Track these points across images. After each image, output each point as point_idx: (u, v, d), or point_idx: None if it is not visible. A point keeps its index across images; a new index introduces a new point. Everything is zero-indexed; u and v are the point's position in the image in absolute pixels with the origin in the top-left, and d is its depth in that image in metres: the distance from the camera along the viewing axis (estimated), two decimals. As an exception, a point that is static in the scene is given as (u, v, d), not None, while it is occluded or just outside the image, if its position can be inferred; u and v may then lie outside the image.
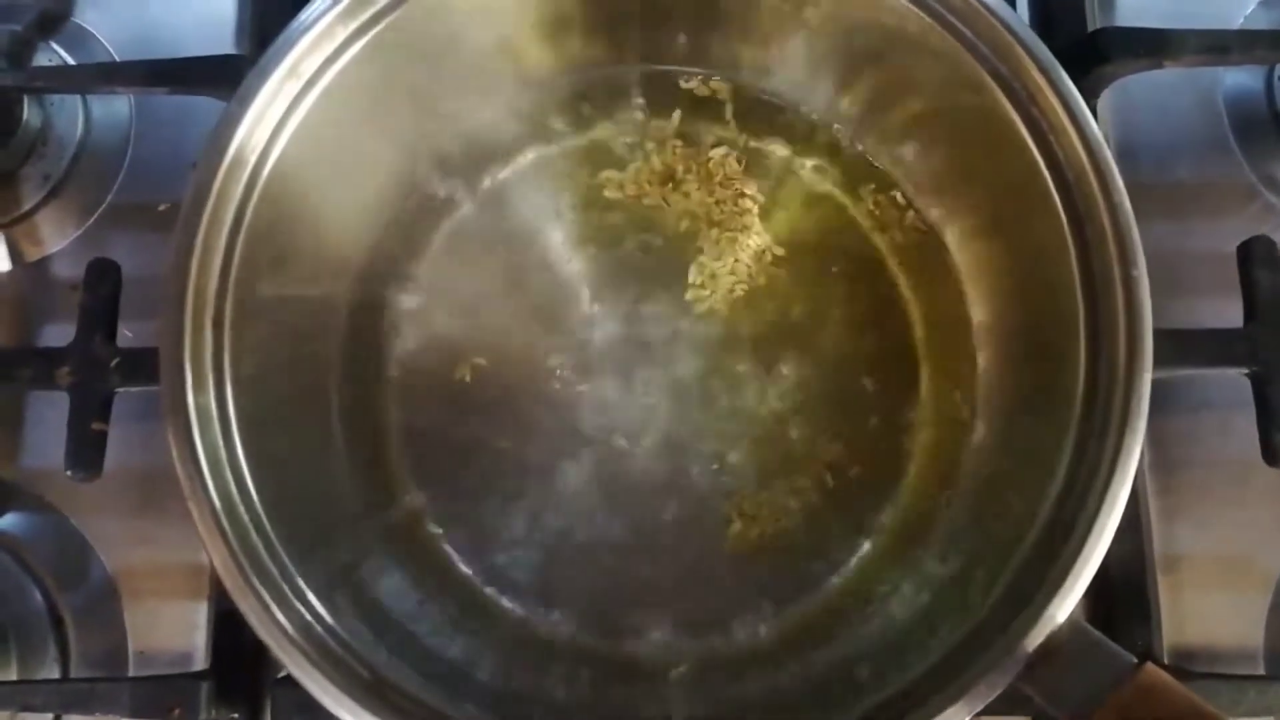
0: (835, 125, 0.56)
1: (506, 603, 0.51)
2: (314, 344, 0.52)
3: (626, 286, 0.55)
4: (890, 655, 0.45)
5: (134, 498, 0.54)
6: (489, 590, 0.51)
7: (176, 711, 0.48)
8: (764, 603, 0.51)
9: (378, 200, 0.54)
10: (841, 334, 0.54)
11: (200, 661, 0.52)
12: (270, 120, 0.45)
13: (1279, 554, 0.52)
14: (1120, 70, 0.54)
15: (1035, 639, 0.39)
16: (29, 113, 0.57)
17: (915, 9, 0.46)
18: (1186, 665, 0.51)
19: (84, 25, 0.60)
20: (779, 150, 0.56)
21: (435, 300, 0.55)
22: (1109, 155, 0.43)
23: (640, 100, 0.56)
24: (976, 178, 0.51)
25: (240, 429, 0.44)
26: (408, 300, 0.54)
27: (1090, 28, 0.57)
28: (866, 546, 0.52)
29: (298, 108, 0.46)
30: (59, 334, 0.53)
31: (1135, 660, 0.37)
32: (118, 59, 0.59)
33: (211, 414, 0.43)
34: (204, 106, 0.54)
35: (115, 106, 0.59)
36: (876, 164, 0.55)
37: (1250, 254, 0.51)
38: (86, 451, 0.49)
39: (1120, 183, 0.43)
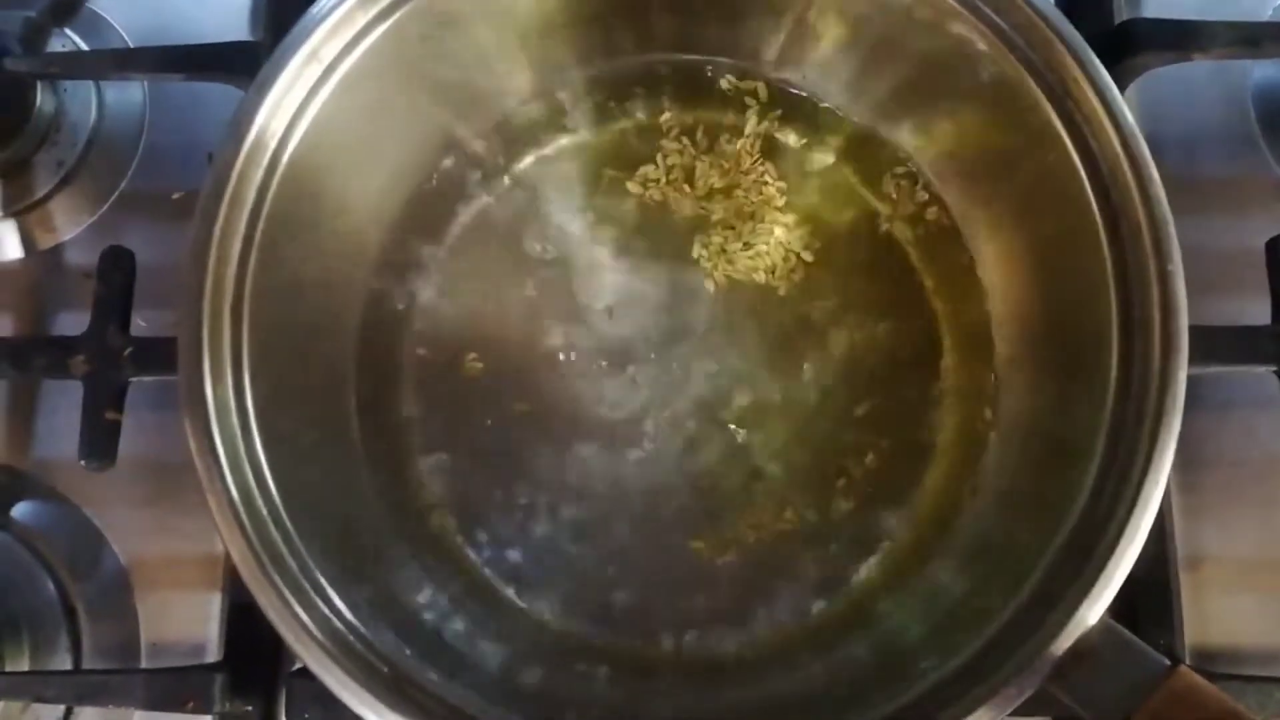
0: (860, 117, 0.55)
1: (523, 598, 0.51)
2: (332, 333, 0.51)
3: (646, 279, 0.54)
4: (916, 655, 0.45)
5: (147, 488, 0.53)
6: (505, 585, 0.51)
7: (190, 704, 0.48)
8: (783, 603, 0.51)
9: (396, 187, 0.53)
10: (864, 329, 0.54)
11: (214, 653, 0.52)
12: (289, 107, 0.44)
13: (1304, 554, 0.52)
14: (1149, 62, 0.54)
15: (1066, 641, 0.38)
16: (42, 99, 0.57)
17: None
18: (1209, 666, 0.50)
19: (98, 11, 0.60)
20: (802, 142, 0.56)
21: (453, 289, 0.54)
22: (1145, 148, 0.43)
23: (664, 91, 0.56)
24: (1007, 170, 0.50)
25: (258, 420, 0.43)
26: (425, 289, 0.54)
27: (1118, 19, 0.57)
28: (888, 545, 0.51)
29: (317, 94, 0.45)
30: (73, 322, 0.53)
31: (1168, 662, 0.36)
32: (132, 45, 0.59)
33: (230, 405, 0.43)
34: (218, 93, 0.53)
35: (129, 93, 0.59)
36: (902, 156, 0.55)
37: (1279, 251, 0.50)
38: (100, 441, 0.49)
39: (1156, 175, 0.42)
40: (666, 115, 0.56)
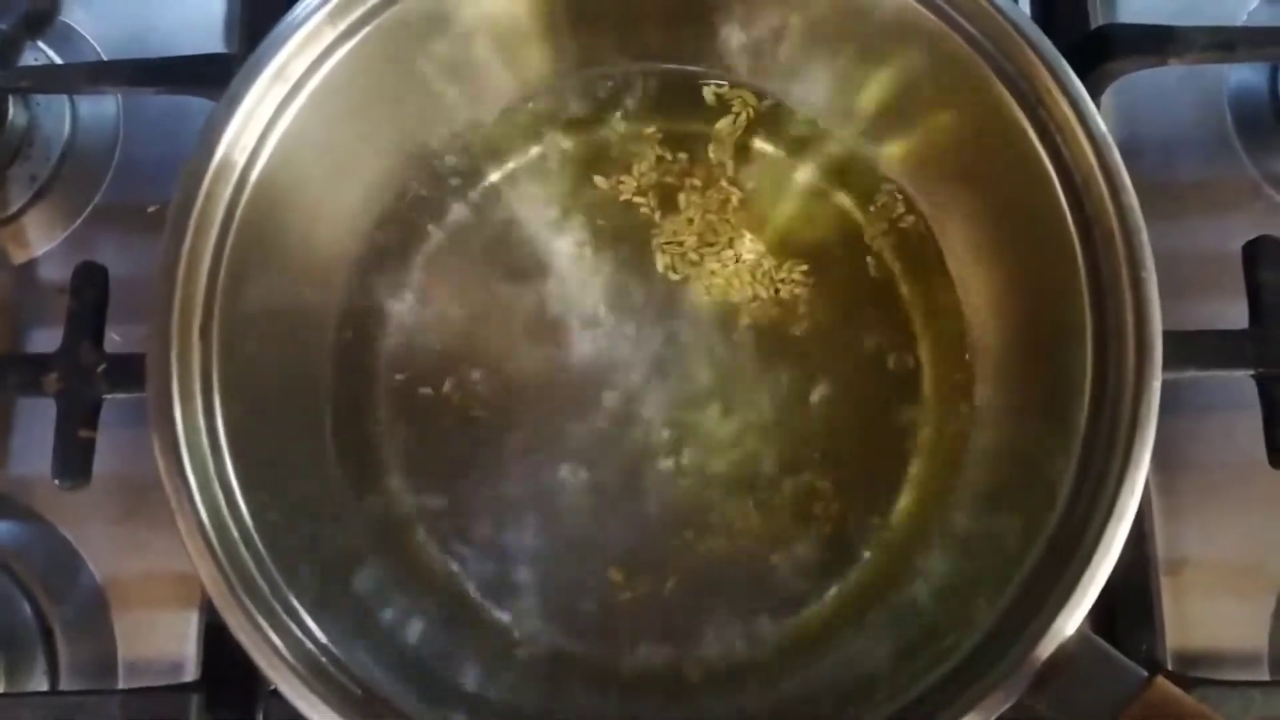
0: (836, 125, 0.55)
1: (502, 615, 0.50)
2: (305, 350, 0.51)
3: (624, 291, 0.54)
4: (893, 668, 0.45)
5: (123, 505, 0.53)
6: (484, 602, 0.51)
7: (167, 724, 0.47)
8: (761, 615, 0.50)
9: (370, 203, 0.53)
10: (841, 338, 0.53)
11: (192, 672, 0.51)
12: (257, 125, 0.44)
13: (1285, 558, 0.52)
14: (1124, 67, 0.54)
15: (1044, 652, 0.38)
16: (14, 113, 0.56)
17: (920, 6, 0.45)
18: (1190, 669, 0.50)
19: (71, 24, 0.59)
20: (780, 151, 0.55)
21: (429, 305, 0.54)
22: (1118, 156, 0.42)
23: (640, 101, 0.56)
24: (981, 178, 0.50)
25: (229, 440, 0.43)
26: (400, 305, 0.54)
27: (1093, 24, 0.57)
28: (866, 556, 0.51)
29: (285, 111, 0.45)
30: (47, 338, 0.52)
31: (1145, 673, 0.36)
32: (105, 58, 0.58)
33: (199, 425, 0.42)
34: (193, 106, 0.53)
35: (103, 106, 0.58)
36: (878, 164, 0.54)
37: (1256, 255, 0.50)
38: (74, 460, 0.48)
39: (1129, 184, 0.42)
40: (643, 126, 0.55)
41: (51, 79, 0.57)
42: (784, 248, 0.54)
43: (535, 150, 0.55)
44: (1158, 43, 0.53)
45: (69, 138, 0.58)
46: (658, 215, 0.55)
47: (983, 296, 0.52)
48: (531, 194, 0.55)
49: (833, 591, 0.50)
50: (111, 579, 0.53)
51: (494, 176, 0.55)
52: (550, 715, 0.47)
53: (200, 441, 0.42)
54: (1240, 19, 0.58)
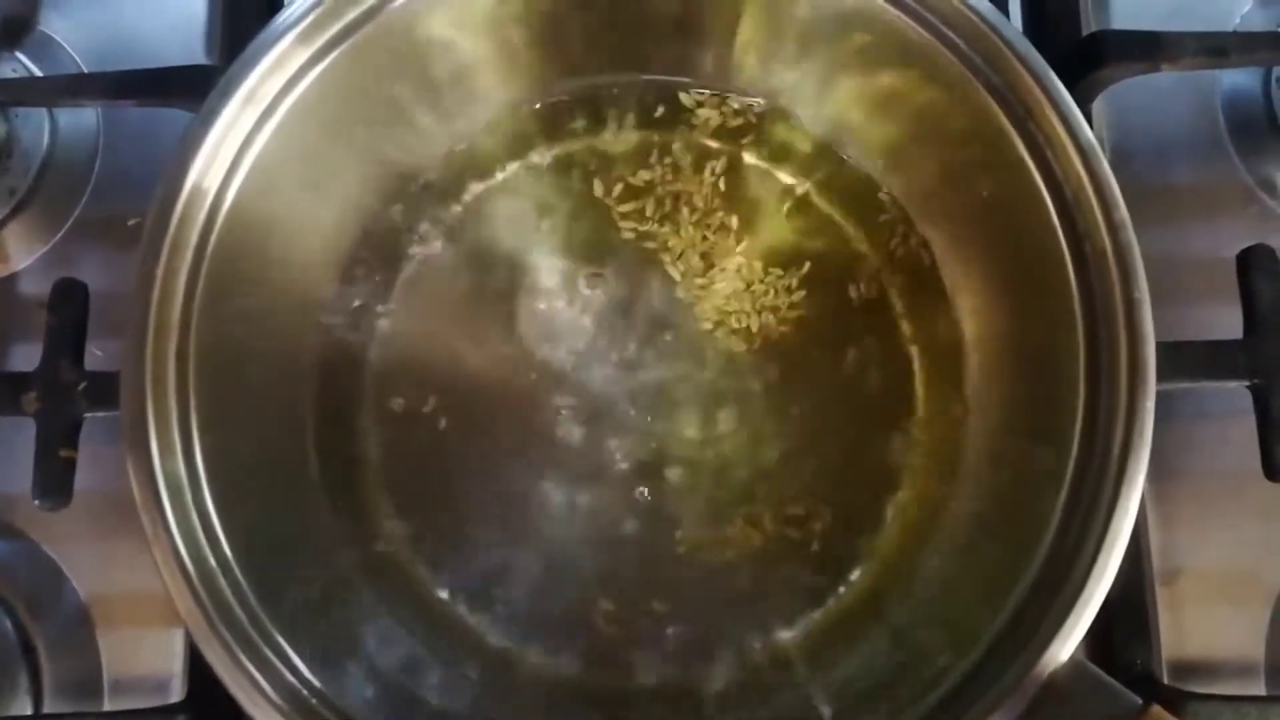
0: (826, 138, 0.54)
1: (491, 637, 0.50)
2: (288, 373, 0.50)
3: (609, 309, 0.54)
4: (886, 693, 0.44)
5: (107, 522, 0.52)
6: (472, 626, 0.50)
7: (152, 745, 0.47)
8: (752, 636, 0.50)
9: (349, 223, 0.52)
10: (833, 357, 0.53)
11: (178, 690, 0.51)
12: (231, 145, 0.44)
13: (1280, 568, 0.51)
14: (1116, 74, 0.53)
15: (1037, 679, 0.38)
16: (-8, 125, 0.56)
17: (908, 19, 0.45)
18: (1186, 680, 0.50)
19: (50, 34, 0.59)
20: (768, 165, 0.55)
21: (411, 326, 0.53)
22: (1108, 170, 0.42)
23: (622, 115, 0.55)
24: (972, 193, 0.49)
25: (207, 466, 0.42)
26: (383, 325, 0.53)
27: (1085, 31, 0.56)
28: (856, 577, 0.51)
29: (260, 132, 0.44)
30: (27, 354, 0.51)
31: (1140, 701, 0.36)
32: (85, 69, 0.58)
33: (176, 451, 0.42)
34: (174, 118, 0.52)
35: (82, 117, 0.58)
36: (867, 179, 0.54)
37: (1249, 263, 0.50)
38: (55, 480, 0.47)
39: (1121, 200, 0.42)
40: (626, 139, 0.55)
41: (29, 92, 0.56)
42: (775, 264, 0.54)
43: (514, 167, 0.55)
44: (1149, 49, 0.52)
45: (48, 150, 0.57)
46: (642, 231, 0.54)
47: (976, 314, 0.51)
48: (511, 211, 0.55)
49: (821, 614, 0.50)
50: (96, 597, 0.52)
51: (474, 194, 0.55)
52: None
53: (177, 468, 0.41)
54: (1233, 23, 0.58)
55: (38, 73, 0.57)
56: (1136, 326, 0.41)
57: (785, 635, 0.50)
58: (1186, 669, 0.50)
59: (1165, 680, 0.50)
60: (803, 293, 0.54)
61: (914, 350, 0.53)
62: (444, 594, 0.50)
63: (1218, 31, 0.55)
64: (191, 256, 0.43)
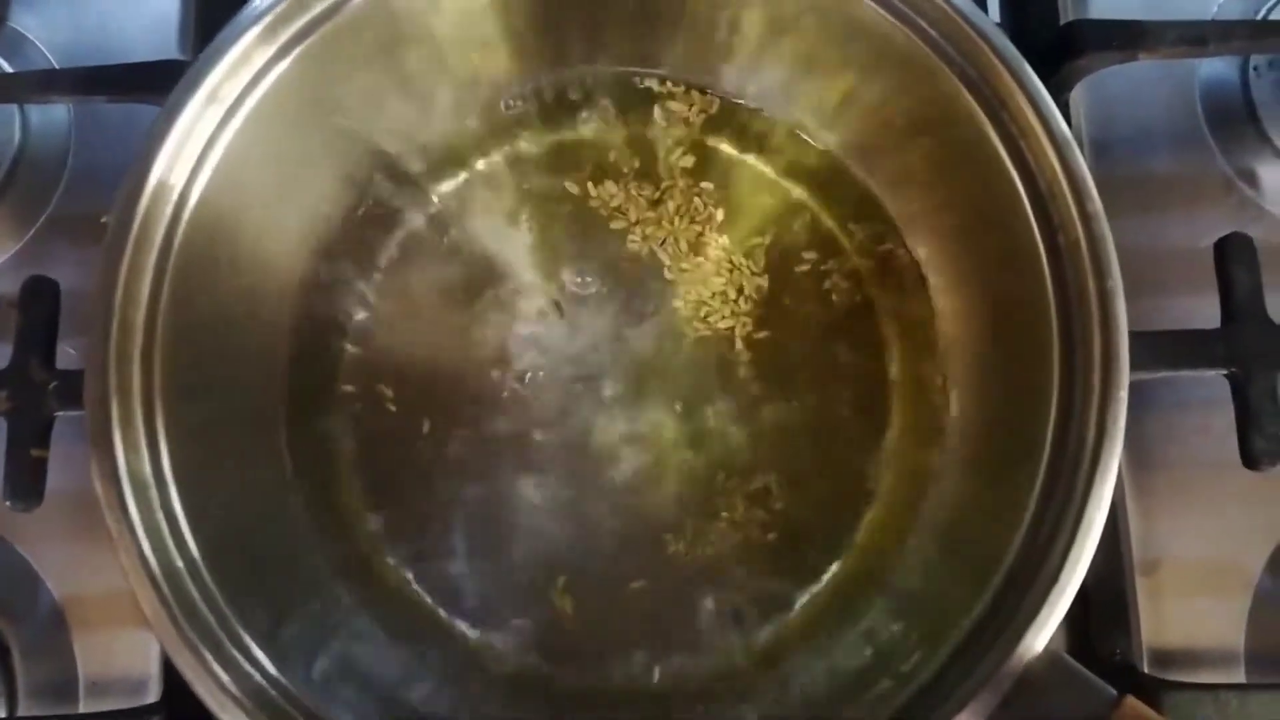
0: (801, 131, 0.54)
1: (468, 632, 0.50)
2: (260, 369, 0.50)
3: (588, 300, 0.53)
4: (861, 684, 0.44)
5: (81, 523, 0.52)
6: (452, 621, 0.50)
7: (128, 747, 0.46)
8: (731, 631, 0.50)
9: (320, 219, 0.52)
10: (809, 349, 0.53)
11: (155, 691, 0.50)
12: (196, 143, 0.44)
13: (1259, 556, 0.51)
14: (1094, 64, 0.53)
15: (1011, 671, 0.38)
16: (-39, 123, 0.55)
17: (879, 8, 0.45)
18: (1166, 669, 0.50)
19: (20, 30, 0.58)
20: (744, 156, 0.55)
21: (386, 319, 0.53)
22: (1082, 161, 0.42)
23: (602, 107, 0.55)
24: (947, 183, 0.49)
25: (174, 465, 0.42)
26: (357, 319, 0.53)
27: (1063, 20, 0.56)
28: (831, 572, 0.51)
29: (225, 129, 0.44)
30: (-1, 353, 0.51)
31: (1115, 693, 0.36)
32: (56, 64, 0.57)
33: (142, 452, 0.41)
34: (147, 114, 0.51)
35: (54, 114, 0.57)
36: (841, 170, 0.54)
37: (1227, 252, 0.49)
38: (25, 480, 0.47)
39: (1094, 191, 0.42)
40: (599, 131, 0.55)
41: (-2, 89, 0.55)
42: (752, 256, 0.54)
43: (487, 160, 0.55)
44: (1127, 38, 0.52)
45: (19, 147, 0.56)
46: (619, 223, 0.54)
47: (950, 305, 0.51)
48: (486, 205, 0.55)
49: (796, 610, 0.50)
50: (70, 597, 0.52)
51: (448, 188, 0.55)
52: None
53: (143, 468, 0.41)
54: (1210, 12, 0.58)
55: (8, 69, 0.57)
56: (1110, 317, 0.41)
57: (759, 632, 0.50)
58: (1167, 658, 0.50)
59: (1146, 670, 0.50)
60: (778, 283, 0.54)
61: (888, 340, 0.53)
62: (420, 591, 0.50)
63: (1196, 20, 0.54)
64: (157, 254, 0.43)
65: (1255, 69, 0.56)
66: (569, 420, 0.52)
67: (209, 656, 0.39)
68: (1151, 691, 0.46)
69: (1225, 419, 0.49)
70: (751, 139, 0.55)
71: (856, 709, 0.43)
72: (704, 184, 0.55)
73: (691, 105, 0.55)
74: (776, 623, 0.50)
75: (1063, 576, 0.39)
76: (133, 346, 0.42)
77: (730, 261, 0.54)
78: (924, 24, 0.44)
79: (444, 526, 0.51)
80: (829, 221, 0.54)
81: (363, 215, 0.53)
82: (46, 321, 0.49)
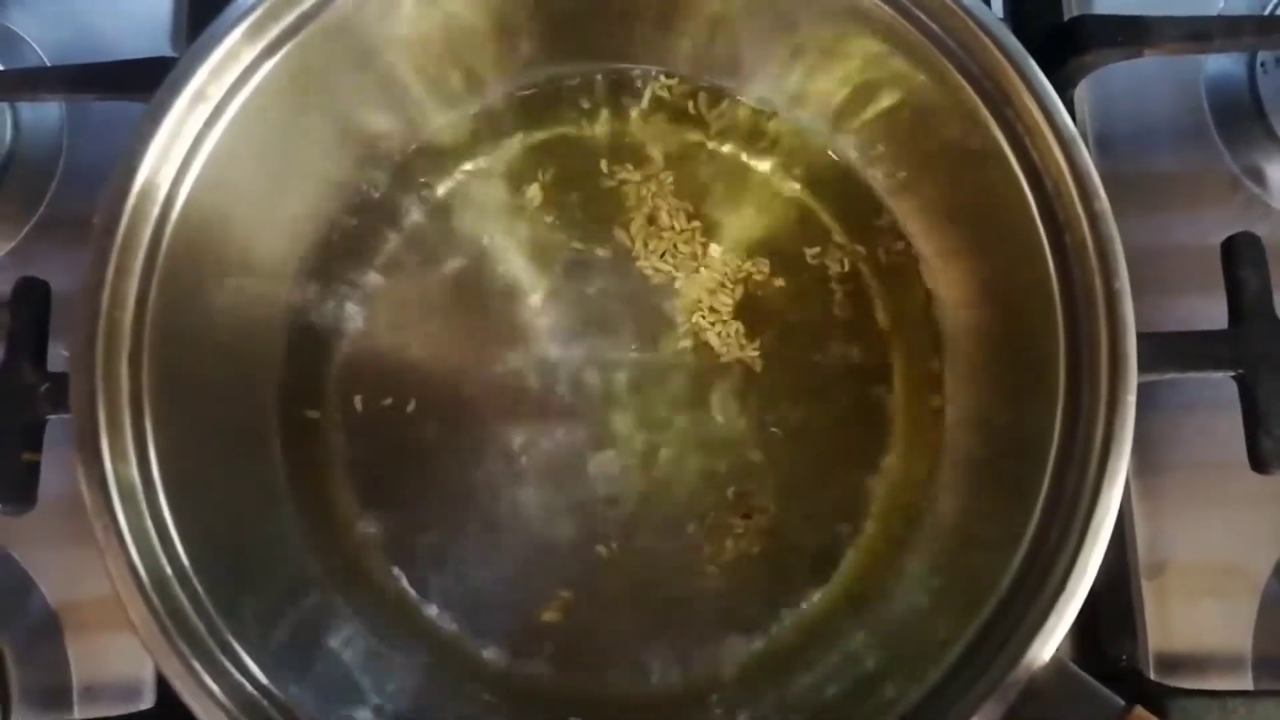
0: (801, 129, 0.54)
1: (461, 640, 0.50)
2: (247, 374, 0.50)
3: (582, 303, 0.53)
4: (865, 692, 0.44)
5: (75, 526, 0.50)
6: (442, 625, 0.50)
7: (123, 754, 0.46)
8: (730, 636, 0.50)
9: (311, 218, 0.52)
10: (809, 351, 0.53)
11: (149, 697, 0.50)
12: (182, 144, 0.43)
13: (1267, 560, 0.51)
14: (1099, 60, 0.53)
15: (1017, 681, 0.37)
16: (-48, 122, 0.55)
17: (885, 5, 0.44)
18: (1173, 673, 0.50)
19: (11, 27, 0.58)
20: (745, 156, 0.55)
21: (378, 321, 0.53)
22: (1089, 160, 0.41)
23: (597, 104, 0.55)
24: (950, 184, 0.49)
25: (162, 469, 0.41)
26: (349, 319, 0.53)
27: (1068, 15, 0.56)
28: (834, 577, 0.50)
29: (211, 129, 0.44)
30: (-11, 356, 0.51)
31: (1122, 702, 0.35)
32: (48, 62, 0.57)
33: (130, 458, 0.41)
34: (139, 112, 0.51)
35: (46, 112, 0.57)
36: (846, 168, 0.54)
37: (1234, 251, 0.49)
38: (17, 484, 0.47)
39: (1101, 190, 0.41)
40: (603, 130, 0.54)
41: (-15, 87, 0.55)
42: (752, 255, 0.54)
43: (479, 159, 0.54)
44: (1133, 34, 0.51)
45: (10, 146, 0.56)
46: (614, 223, 0.54)
47: (954, 306, 0.51)
48: (478, 203, 0.54)
49: (797, 615, 0.50)
50: (64, 602, 0.52)
51: (440, 187, 0.54)
52: None
53: (130, 473, 0.41)
54: (1217, 7, 0.57)
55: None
56: (1117, 318, 0.40)
57: (760, 642, 0.50)
58: (1173, 663, 0.50)
59: (1151, 675, 0.50)
60: (779, 282, 0.54)
61: (891, 343, 0.52)
62: (414, 596, 0.50)
63: (1201, 15, 0.54)
64: (144, 256, 0.42)
65: (1262, 65, 0.55)
66: (564, 425, 0.52)
67: (198, 665, 0.38)
68: (1157, 700, 0.46)
69: (1232, 421, 0.49)
70: (753, 138, 0.54)
71: (859, 715, 0.42)
72: (704, 183, 0.54)
73: (690, 103, 0.55)
74: (778, 633, 0.50)
75: (1069, 584, 0.38)
76: (120, 349, 0.41)
77: (730, 262, 0.53)
78: (927, 19, 0.44)
79: (438, 531, 0.51)
80: (831, 221, 0.54)
81: (354, 215, 0.53)
82: (37, 323, 0.48)
